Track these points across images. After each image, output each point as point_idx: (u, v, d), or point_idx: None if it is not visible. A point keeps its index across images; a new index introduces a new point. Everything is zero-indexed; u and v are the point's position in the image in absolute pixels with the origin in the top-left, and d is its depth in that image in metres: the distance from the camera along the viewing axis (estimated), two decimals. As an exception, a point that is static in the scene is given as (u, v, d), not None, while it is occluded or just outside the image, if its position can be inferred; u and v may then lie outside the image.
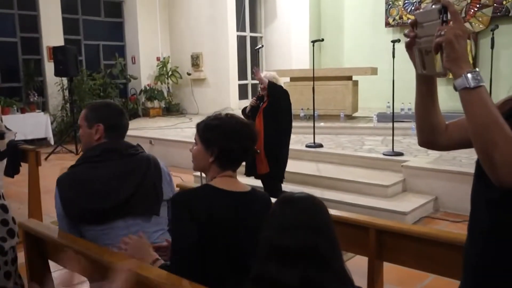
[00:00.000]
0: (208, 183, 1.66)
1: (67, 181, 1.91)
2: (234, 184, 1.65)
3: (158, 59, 11.78)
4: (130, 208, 1.90)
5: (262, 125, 4.58)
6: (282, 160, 4.71)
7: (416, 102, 1.29)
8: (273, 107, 4.58)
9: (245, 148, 1.65)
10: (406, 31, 1.22)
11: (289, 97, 4.64)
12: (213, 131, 1.64)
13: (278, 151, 4.62)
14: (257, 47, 6.74)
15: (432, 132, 1.28)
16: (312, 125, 6.83)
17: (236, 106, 10.65)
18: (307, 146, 6.59)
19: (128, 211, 1.89)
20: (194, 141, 1.73)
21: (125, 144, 2.07)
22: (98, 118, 2.04)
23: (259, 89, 4.74)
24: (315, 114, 7.70)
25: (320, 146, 6.58)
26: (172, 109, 11.74)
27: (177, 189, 2.38)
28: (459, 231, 3.53)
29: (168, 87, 11.86)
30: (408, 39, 1.19)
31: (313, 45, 6.66)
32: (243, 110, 4.86)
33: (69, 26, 10.53)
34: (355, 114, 9.06)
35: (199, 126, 1.71)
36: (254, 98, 4.77)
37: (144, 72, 11.59)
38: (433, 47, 1.10)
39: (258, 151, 4.44)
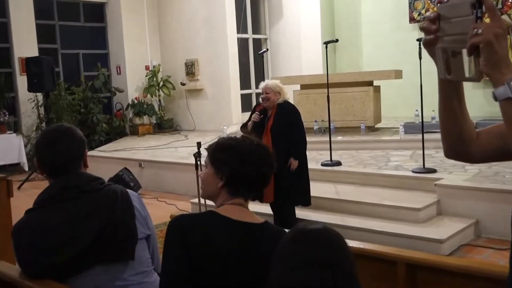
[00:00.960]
0: (214, 210, 1.66)
1: (20, 232, 1.87)
2: (244, 214, 1.64)
3: (147, 68, 11.91)
4: (97, 255, 1.83)
5: (270, 144, 4.61)
6: (306, 182, 4.82)
7: (440, 106, 1.26)
8: (282, 123, 4.62)
9: (261, 173, 1.65)
10: (423, 24, 1.15)
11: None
12: (225, 152, 1.66)
13: (303, 170, 4.74)
14: (261, 51, 6.80)
15: (460, 141, 1.25)
16: (328, 139, 6.84)
17: (238, 119, 10.70)
18: (323, 164, 6.60)
19: (94, 259, 1.83)
20: (204, 164, 1.76)
21: (86, 178, 1.95)
22: (36, 154, 1.96)
23: (260, 99, 4.79)
24: (331, 127, 7.69)
25: (338, 164, 6.58)
26: (164, 126, 11.82)
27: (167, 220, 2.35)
28: (506, 260, 3.48)
29: (160, 100, 11.96)
30: (429, 35, 1.13)
31: (326, 47, 6.70)
32: (243, 126, 4.93)
33: (44, 34, 10.68)
34: (378, 125, 9.05)
35: (210, 147, 1.73)
36: (257, 112, 4.82)
37: (131, 84, 11.72)
38: (468, 49, 1.05)
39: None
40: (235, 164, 1.63)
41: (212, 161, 1.69)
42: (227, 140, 1.70)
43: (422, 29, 1.17)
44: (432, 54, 1.17)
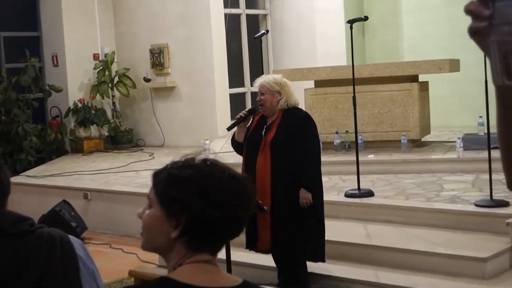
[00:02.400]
0: (168, 274, 1.63)
1: None
2: (212, 276, 1.62)
3: (96, 57, 11.95)
4: None
5: (269, 165, 4.60)
6: (320, 224, 4.83)
7: (498, 120, 1.26)
8: (288, 137, 4.64)
9: (235, 217, 1.63)
10: (469, 6, 1.12)
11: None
12: (182, 186, 1.63)
13: (317, 206, 4.73)
14: (259, 33, 6.82)
15: None
16: (354, 159, 6.83)
17: (226, 133, 10.66)
18: (347, 195, 6.59)
19: None
20: (147, 200, 1.73)
21: (9, 217, 2.00)
22: None
23: (258, 101, 4.83)
24: (360, 141, 7.68)
25: (369, 194, 6.58)
26: (120, 140, 11.83)
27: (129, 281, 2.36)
28: None
29: (114, 103, 11.98)
30: (478, 22, 1.11)
31: (351, 28, 6.73)
32: (234, 141, 5.03)
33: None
34: (426, 138, 9.07)
35: (157, 177, 1.71)
36: (244, 112, 4.94)
37: (73, 80, 11.74)
38: None
39: (266, 208, 4.45)
40: (197, 205, 1.61)
41: (162, 199, 1.65)
42: (183, 167, 1.66)
43: (467, 12, 1.14)
44: (484, 49, 1.15)
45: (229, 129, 5.21)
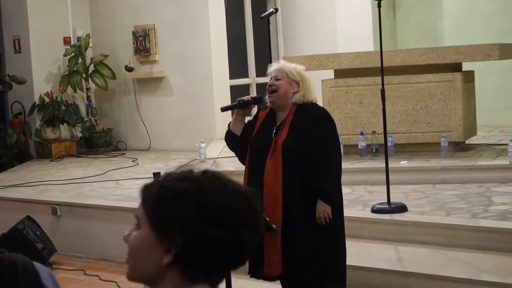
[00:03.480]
0: None
1: None
2: None
3: (67, 41, 11.98)
4: None
5: (281, 173, 4.62)
6: (340, 245, 4.80)
7: None
8: (303, 138, 4.64)
9: (240, 240, 1.64)
10: None
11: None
12: (177, 201, 1.63)
13: (335, 222, 4.70)
14: (267, 12, 6.83)
15: None
16: (382, 165, 6.83)
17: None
18: (374, 210, 6.60)
19: None
20: (135, 219, 1.73)
21: None
22: None
23: (268, 94, 4.80)
24: (390, 144, 7.67)
25: (402, 209, 6.58)
26: (97, 142, 11.84)
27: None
28: None
29: (89, 98, 12.01)
30: None
31: (379, 5, 6.73)
32: (230, 134, 4.96)
33: None
34: (471, 140, 9.07)
35: (146, 191, 1.72)
36: (247, 97, 4.92)
37: (40, 69, 11.77)
38: None
39: (275, 226, 4.46)
40: (195, 224, 1.62)
41: (152, 217, 1.66)
42: (178, 180, 1.67)
43: None
44: None
45: (223, 109, 5.18)
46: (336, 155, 4.79)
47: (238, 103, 4.89)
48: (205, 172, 1.69)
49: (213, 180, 1.67)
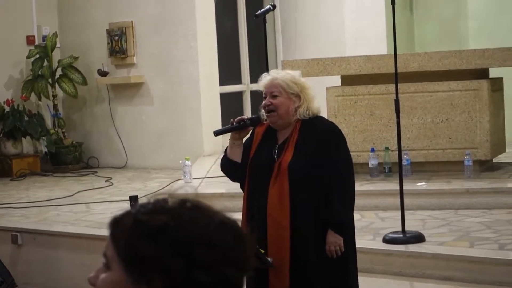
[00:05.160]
0: None
1: None
2: None
3: (31, 41, 12.00)
4: None
5: (288, 200, 4.59)
6: (352, 278, 4.81)
7: None
8: (311, 160, 4.62)
9: (227, 280, 1.63)
10: None
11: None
12: (155, 240, 1.62)
13: (349, 253, 4.70)
14: (262, 9, 6.85)
15: None
16: (397, 188, 6.84)
17: (216, 145, 10.71)
18: (387, 240, 6.60)
19: None
20: (103, 259, 1.71)
21: None
22: None
23: (262, 110, 4.75)
24: (405, 162, 7.66)
25: (419, 239, 6.58)
26: (64, 158, 11.84)
27: None
28: None
29: (56, 106, 12.00)
30: None
31: (393, 2, 6.74)
32: (225, 158, 4.91)
33: None
34: (500, 159, 9.09)
35: (117, 226, 1.69)
36: (245, 117, 4.86)
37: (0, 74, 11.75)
38: None
39: (271, 260, 4.44)
40: (177, 265, 1.60)
41: (125, 258, 1.64)
42: (156, 212, 1.65)
43: None
44: None
45: (217, 133, 5.09)
46: (350, 181, 4.75)
47: (233, 125, 4.80)
48: (185, 202, 1.67)
49: (195, 212, 1.66)
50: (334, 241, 4.62)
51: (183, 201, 1.68)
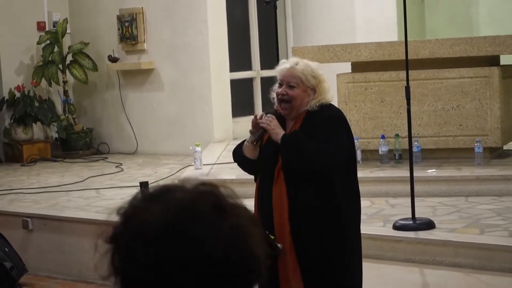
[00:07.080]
0: None
1: None
2: None
3: (41, 27, 11.99)
4: None
5: (287, 203, 4.55)
6: (356, 264, 4.77)
7: None
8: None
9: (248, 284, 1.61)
10: None
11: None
12: (153, 246, 1.62)
13: (354, 247, 4.68)
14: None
15: None
16: (407, 174, 6.84)
17: (226, 132, 10.78)
18: (397, 226, 6.59)
19: None
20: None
21: None
22: None
23: (275, 99, 4.66)
24: (416, 149, 7.66)
25: (429, 225, 6.57)
26: (75, 144, 11.86)
27: None
28: None
29: (66, 92, 12.01)
30: None
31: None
32: (237, 152, 4.87)
33: None
34: (509, 146, 9.10)
35: (118, 230, 1.70)
36: (267, 116, 4.71)
37: (9, 60, 11.78)
38: None
39: (280, 245, 4.43)
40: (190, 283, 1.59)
41: (116, 268, 1.66)
42: (159, 209, 1.63)
43: None
44: None
45: (254, 142, 4.75)
46: (353, 169, 4.71)
47: (260, 132, 4.66)
48: (181, 187, 1.66)
49: (203, 207, 1.60)
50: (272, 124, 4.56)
51: (179, 185, 1.67)
